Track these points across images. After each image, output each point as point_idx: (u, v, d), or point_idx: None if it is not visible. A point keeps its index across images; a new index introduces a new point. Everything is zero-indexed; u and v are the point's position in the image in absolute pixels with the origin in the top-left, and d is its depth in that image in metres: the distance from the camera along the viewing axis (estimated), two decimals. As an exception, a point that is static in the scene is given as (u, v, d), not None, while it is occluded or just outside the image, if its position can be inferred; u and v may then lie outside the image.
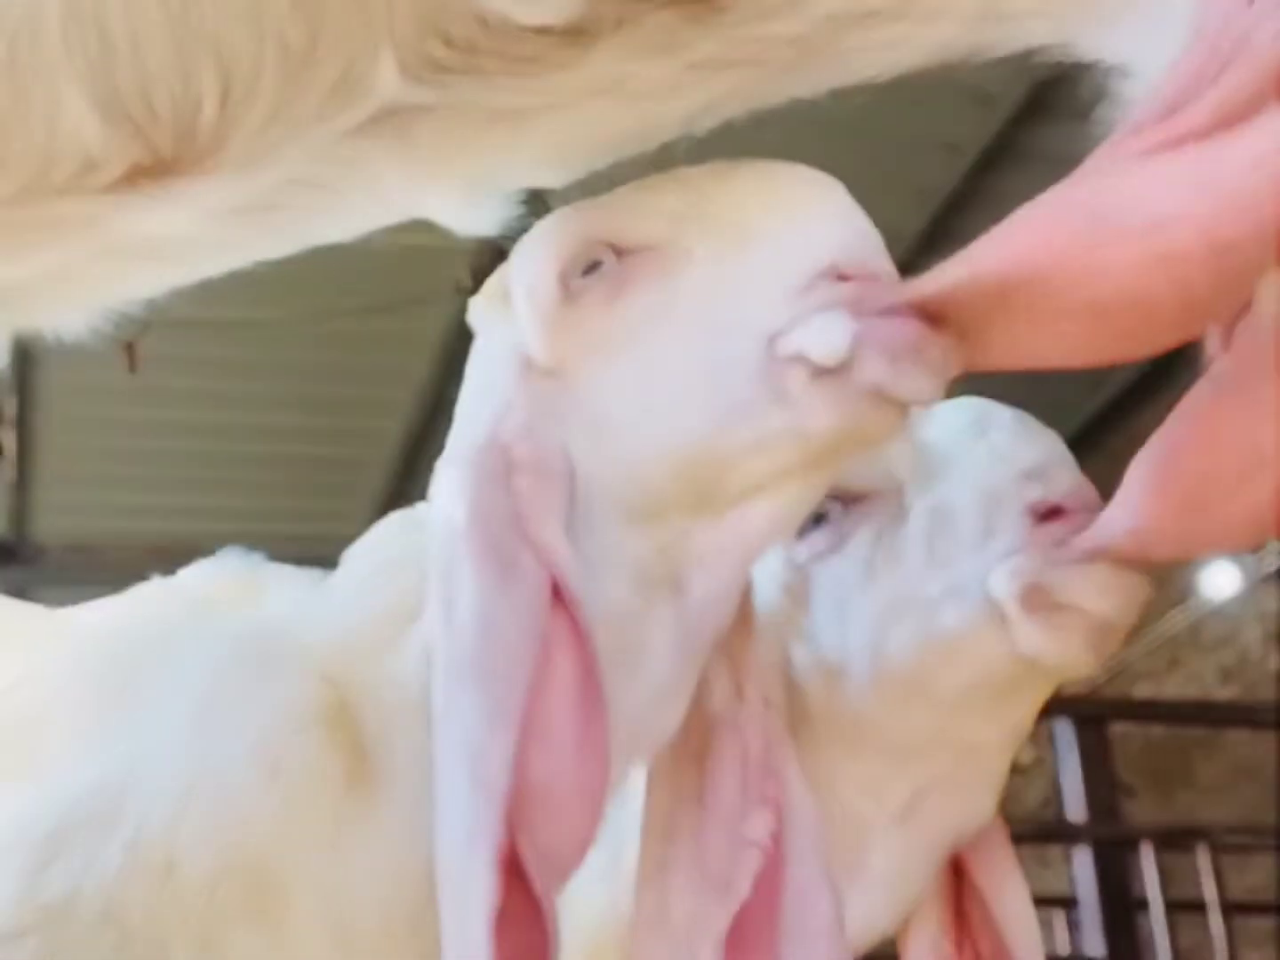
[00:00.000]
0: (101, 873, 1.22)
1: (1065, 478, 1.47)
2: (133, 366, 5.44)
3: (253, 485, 6.90)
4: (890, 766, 1.54)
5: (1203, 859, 4.28)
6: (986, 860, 1.62)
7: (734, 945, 1.28)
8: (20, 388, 6.12)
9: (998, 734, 1.55)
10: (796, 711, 1.53)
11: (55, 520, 7.01)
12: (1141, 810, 6.49)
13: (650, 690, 1.24)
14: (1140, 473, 1.13)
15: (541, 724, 1.11)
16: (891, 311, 1.12)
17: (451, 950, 1.09)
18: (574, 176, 1.22)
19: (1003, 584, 1.40)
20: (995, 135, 5.48)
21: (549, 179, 1.22)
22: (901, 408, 1.16)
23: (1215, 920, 4.21)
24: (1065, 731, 4.61)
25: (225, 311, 5.55)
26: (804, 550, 1.57)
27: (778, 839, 1.32)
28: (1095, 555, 1.33)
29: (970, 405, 1.56)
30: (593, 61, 1.11)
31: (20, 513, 6.93)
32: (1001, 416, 1.54)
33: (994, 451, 1.50)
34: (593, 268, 1.27)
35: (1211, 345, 1.05)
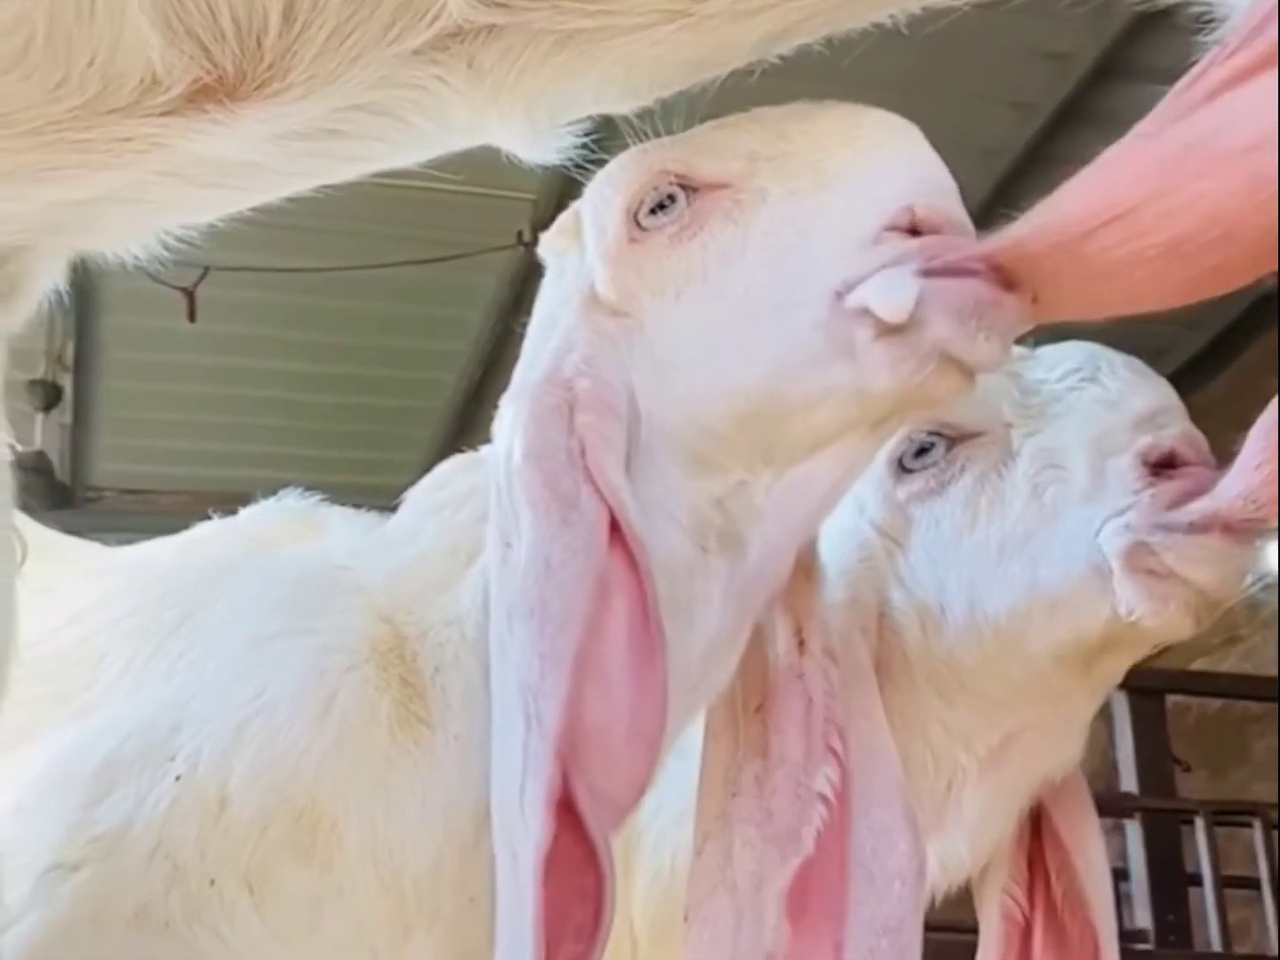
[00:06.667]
0: (154, 808, 1.22)
1: (1176, 425, 1.43)
2: (191, 314, 5.44)
3: (308, 434, 6.91)
4: (982, 712, 1.51)
5: (1258, 835, 4.23)
6: (1067, 807, 1.60)
7: (796, 900, 1.27)
8: (79, 332, 6.15)
9: (1089, 686, 1.53)
10: (893, 654, 1.52)
11: (112, 465, 7.05)
12: (1194, 785, 6.42)
13: (704, 643, 1.23)
14: (1256, 438, 1.10)
15: (598, 664, 1.09)
16: (962, 270, 1.09)
17: (504, 887, 1.08)
18: (642, 104, 1.18)
19: (1113, 539, 1.37)
20: (1067, 95, 5.37)
21: (617, 106, 1.18)
22: (965, 370, 1.13)
23: (1268, 897, 4.16)
24: (1120, 703, 4.56)
25: (285, 259, 5.55)
26: (904, 490, 1.54)
27: (840, 793, 1.30)
28: (1208, 523, 1.30)
29: (1079, 348, 1.52)
30: (667, -16, 1.07)
31: (77, 457, 6.98)
32: (1112, 361, 1.50)
33: (1105, 397, 1.46)
34: (665, 206, 1.25)
35: None
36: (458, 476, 1.42)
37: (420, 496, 1.43)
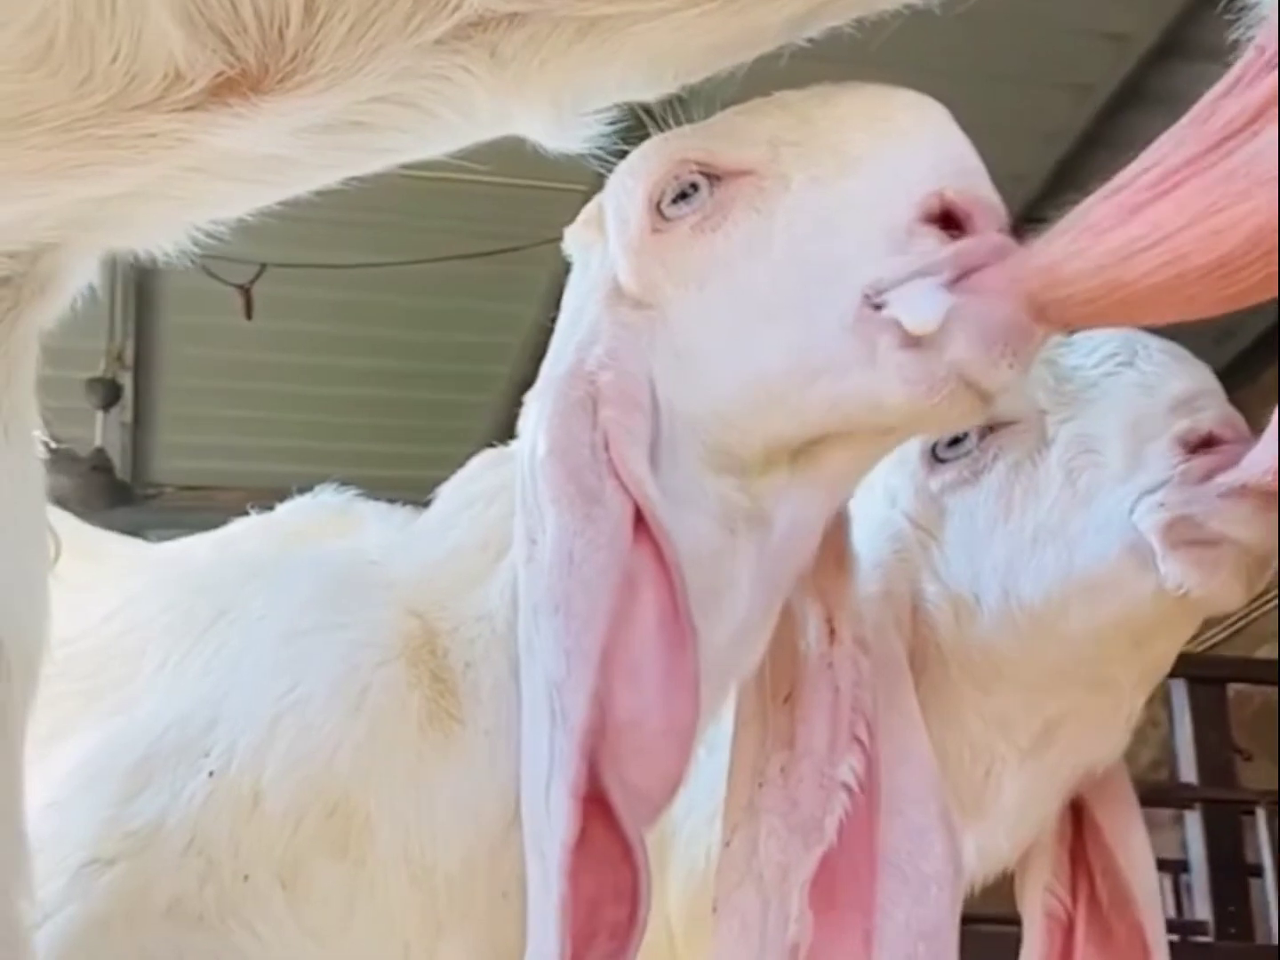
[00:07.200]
0: (188, 803, 1.22)
1: (1215, 408, 1.41)
2: (248, 311, 5.49)
3: (365, 429, 6.97)
4: (1021, 701, 1.50)
5: (1320, 826, 4.17)
6: (1110, 803, 1.58)
7: (823, 891, 1.26)
8: (138, 330, 6.22)
9: (1134, 671, 1.50)
10: (926, 646, 1.50)
11: (171, 461, 7.14)
12: (1256, 775, 6.35)
13: (734, 626, 1.22)
14: None
15: (627, 659, 1.08)
16: (995, 290, 1.07)
17: (533, 884, 1.08)
18: (669, 90, 1.17)
19: (1148, 517, 1.36)
20: (1127, 75, 5.30)
21: (643, 93, 1.17)
22: (982, 395, 1.11)
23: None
24: (1180, 691, 4.51)
25: (339, 255, 5.58)
26: (937, 481, 1.52)
27: (865, 784, 1.28)
28: (1241, 491, 1.30)
29: (1115, 334, 1.49)
30: (691, -34, 1.05)
31: (137, 454, 7.07)
32: (1149, 346, 1.47)
33: (1142, 382, 1.44)
34: (687, 195, 1.23)
35: None
36: (489, 471, 1.41)
37: (452, 492, 1.43)
